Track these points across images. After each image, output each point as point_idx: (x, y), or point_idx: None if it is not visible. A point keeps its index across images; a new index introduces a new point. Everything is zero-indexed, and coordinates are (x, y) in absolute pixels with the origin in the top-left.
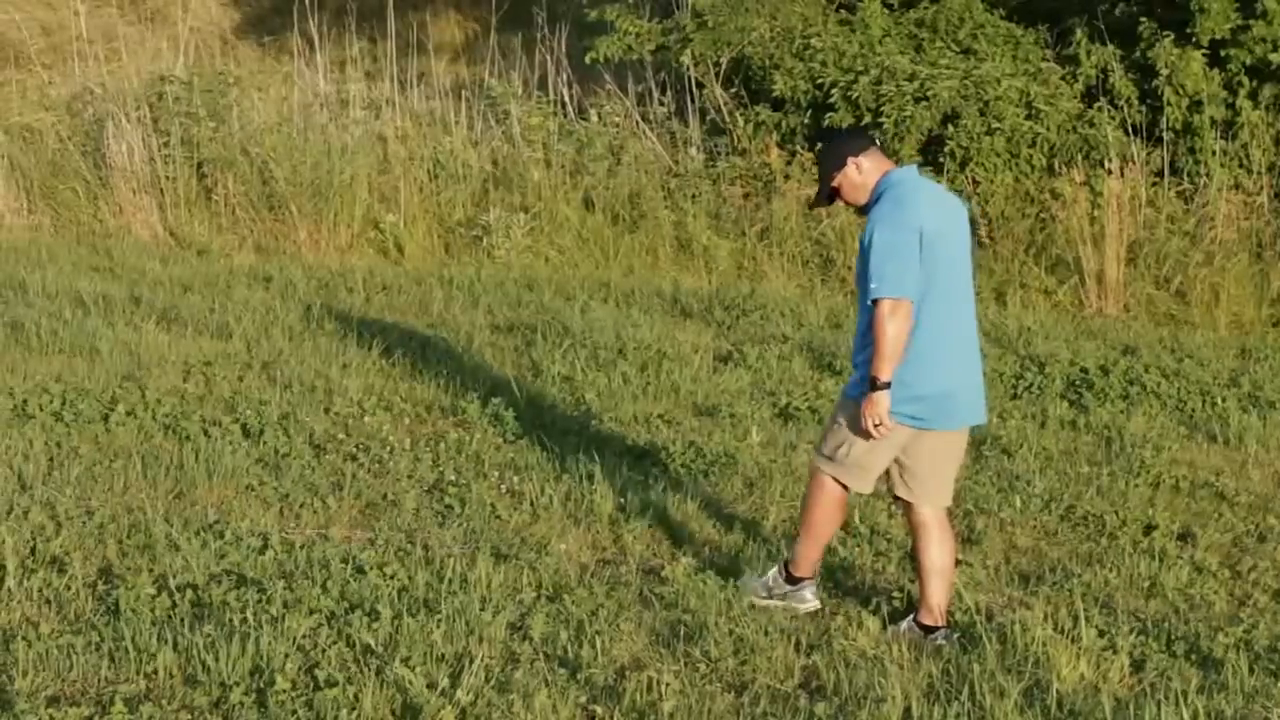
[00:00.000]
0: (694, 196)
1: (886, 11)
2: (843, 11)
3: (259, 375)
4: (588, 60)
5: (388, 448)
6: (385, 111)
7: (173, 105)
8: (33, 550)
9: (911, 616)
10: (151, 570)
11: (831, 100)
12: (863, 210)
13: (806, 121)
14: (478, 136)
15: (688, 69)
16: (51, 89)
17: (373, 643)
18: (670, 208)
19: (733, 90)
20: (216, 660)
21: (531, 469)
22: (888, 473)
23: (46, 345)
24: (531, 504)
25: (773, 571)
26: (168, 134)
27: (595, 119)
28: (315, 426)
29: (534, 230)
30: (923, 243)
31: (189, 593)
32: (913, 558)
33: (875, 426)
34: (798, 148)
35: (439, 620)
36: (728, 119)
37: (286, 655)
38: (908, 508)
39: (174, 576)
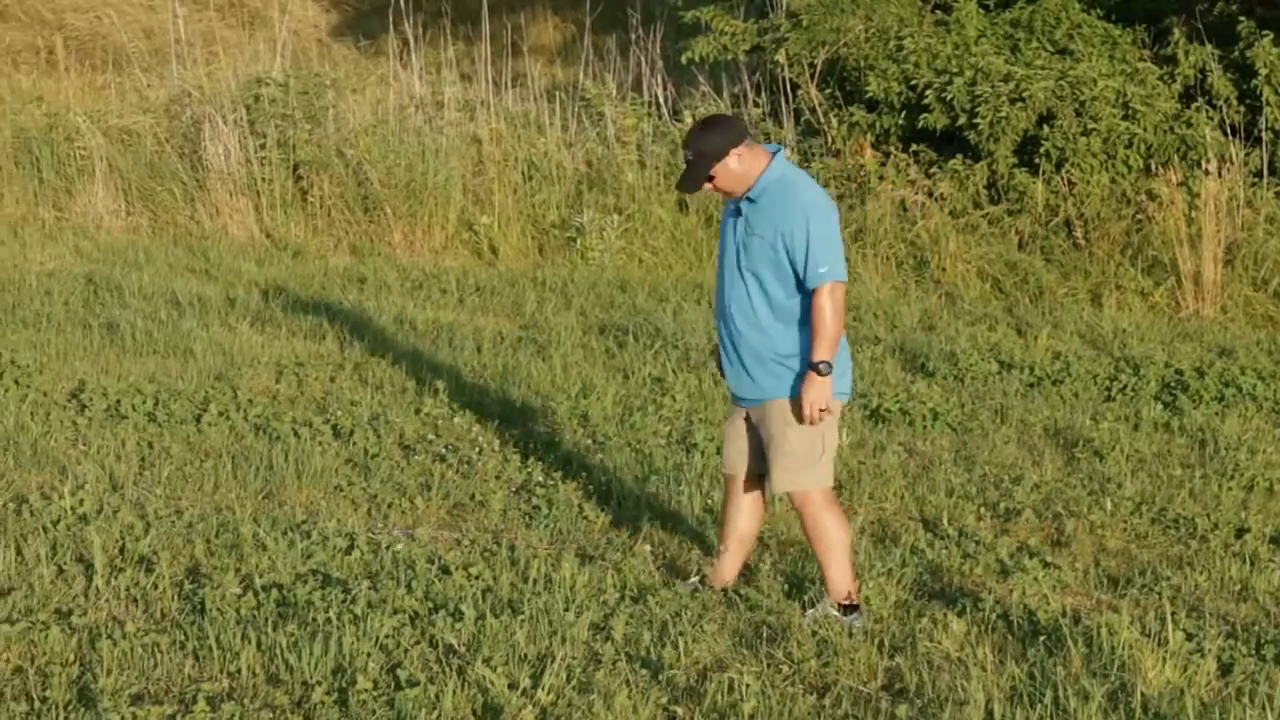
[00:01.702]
0: None
1: (982, 12)
2: (938, 12)
3: (351, 376)
4: (683, 61)
5: (476, 448)
6: (480, 113)
7: (269, 107)
8: (121, 549)
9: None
10: (238, 569)
11: (926, 101)
12: (737, 198)
13: (901, 123)
14: (572, 138)
15: (782, 70)
16: (150, 92)
17: (455, 643)
18: None
19: (827, 91)
20: (299, 659)
21: (619, 470)
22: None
23: (141, 346)
24: (619, 505)
25: (820, 608)
26: (264, 136)
27: (690, 120)
28: (405, 427)
29: (627, 232)
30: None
31: (274, 592)
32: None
33: (820, 411)
34: (892, 149)
35: (522, 620)
36: (822, 120)
37: (369, 655)
38: (734, 480)
39: (260, 576)
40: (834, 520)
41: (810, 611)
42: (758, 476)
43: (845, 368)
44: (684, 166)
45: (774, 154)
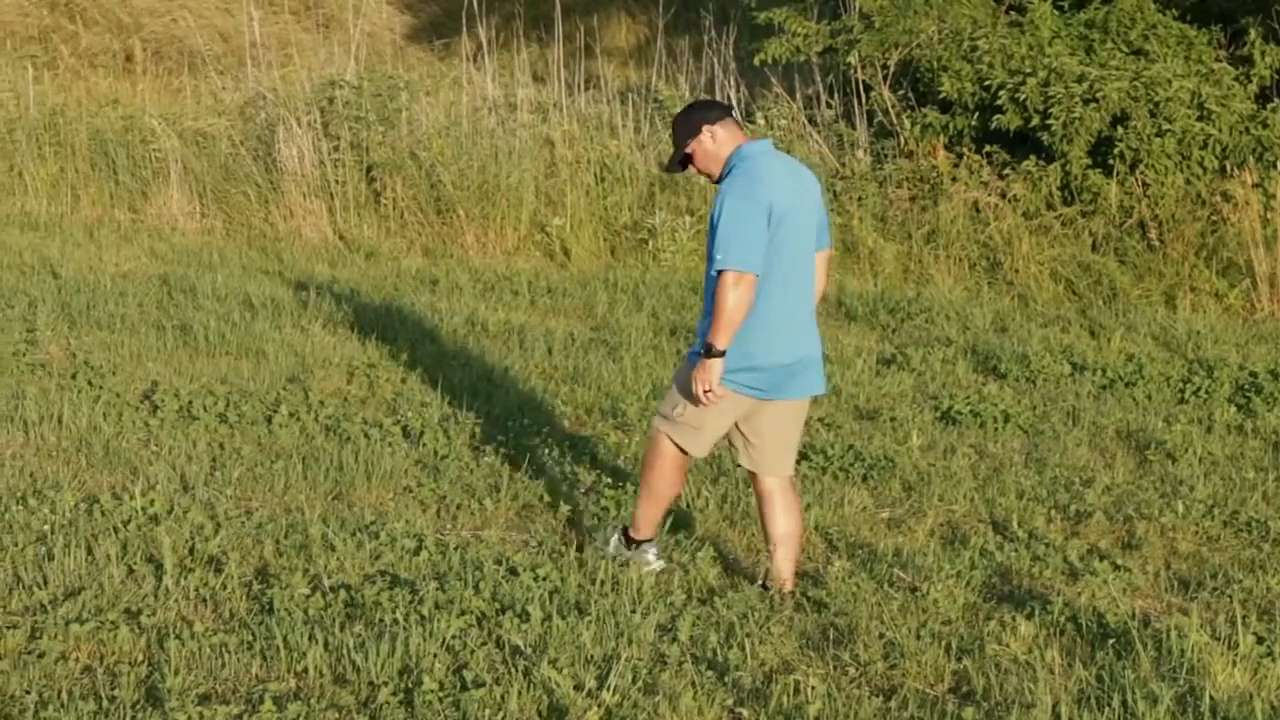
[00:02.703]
0: (860, 199)
1: (1057, 13)
2: (1012, 13)
3: (421, 377)
4: (755, 62)
5: (546, 449)
6: (553, 115)
7: (343, 110)
8: (191, 550)
9: (760, 582)
10: (307, 570)
11: (999, 102)
12: (716, 180)
13: (974, 124)
14: (645, 140)
15: (855, 71)
16: (225, 94)
17: (522, 644)
18: (836, 210)
19: (900, 92)
20: (366, 660)
21: (689, 471)
22: (731, 442)
23: (214, 348)
24: (687, 506)
25: (614, 539)
26: (338, 138)
27: (762, 121)
28: (475, 428)
29: (699, 233)
30: (771, 219)
31: (342, 593)
32: (760, 525)
33: (705, 393)
34: (965, 150)
35: (589, 622)
36: (895, 121)
37: (435, 655)
38: (752, 477)
39: (328, 576)
40: (667, 472)
41: (604, 531)
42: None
43: (756, 366)
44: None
45: (751, 142)
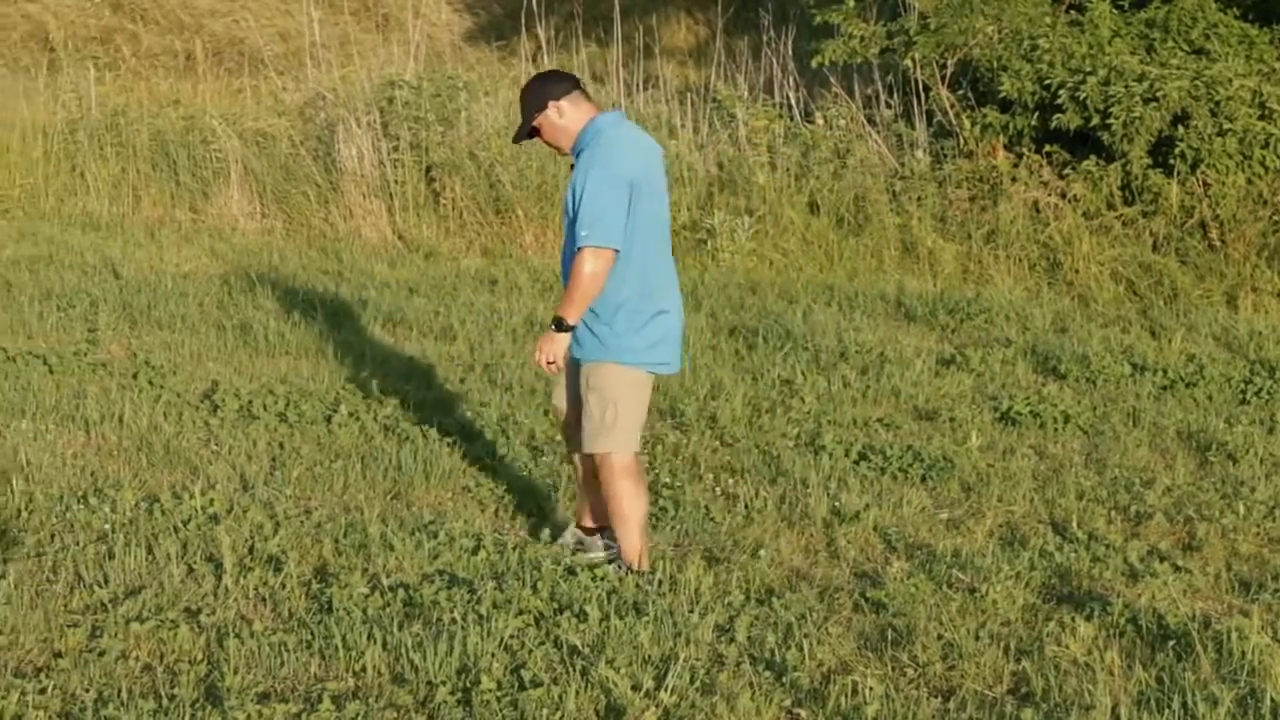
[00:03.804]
0: (919, 199)
1: (1116, 12)
2: (1072, 12)
3: (480, 377)
4: (814, 63)
5: None
6: None
7: (403, 110)
8: (251, 549)
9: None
10: (365, 569)
11: (1059, 101)
12: (568, 153)
13: (1034, 123)
14: (703, 140)
15: (913, 71)
16: (285, 95)
17: (579, 644)
18: (895, 211)
19: (959, 92)
20: (424, 659)
21: (747, 472)
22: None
23: (274, 347)
24: (746, 507)
25: (612, 570)
26: (397, 138)
27: (821, 122)
28: (534, 428)
29: (758, 233)
30: (632, 192)
31: (401, 592)
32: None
33: (548, 364)
34: (1025, 150)
35: (646, 622)
36: (954, 121)
37: (493, 655)
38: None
39: (387, 576)
40: (629, 491)
41: (584, 548)
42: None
43: (661, 339)
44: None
45: (602, 115)
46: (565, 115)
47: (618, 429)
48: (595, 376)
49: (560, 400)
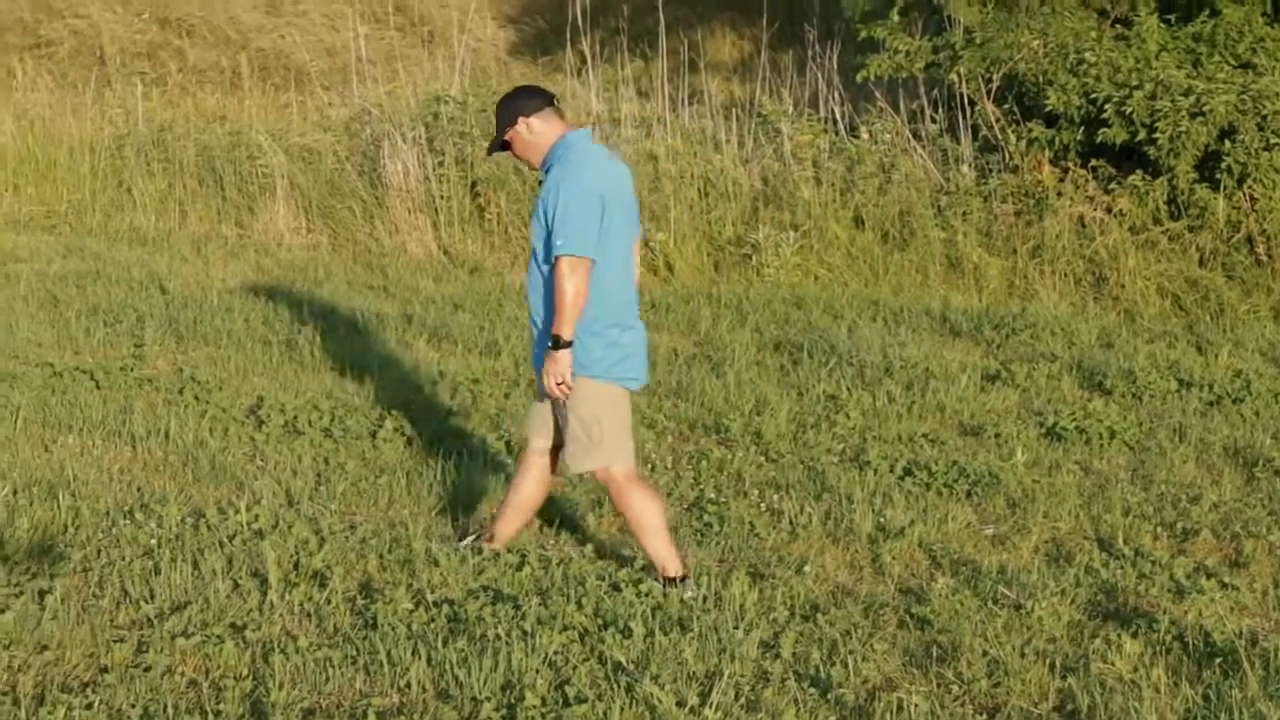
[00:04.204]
0: (965, 214)
1: (1163, 26)
2: (1118, 26)
3: (525, 393)
4: (859, 78)
5: (649, 465)
6: (656, 130)
7: (448, 125)
8: (296, 564)
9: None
10: (410, 585)
11: (1105, 115)
12: (537, 168)
13: (1079, 138)
14: (748, 154)
15: (959, 86)
16: (331, 110)
17: (624, 660)
18: (941, 225)
19: (1005, 107)
20: (469, 675)
21: (792, 487)
22: (535, 418)
23: (319, 363)
24: (790, 522)
25: (657, 588)
26: (442, 153)
27: (866, 136)
28: None
29: (803, 248)
30: (604, 207)
31: (445, 608)
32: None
33: (558, 385)
34: (1070, 165)
35: (691, 638)
36: (999, 136)
37: (538, 671)
38: (528, 443)
39: (432, 591)
40: (639, 498)
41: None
42: (556, 449)
43: (631, 353)
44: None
45: (571, 132)
46: (534, 131)
47: (606, 443)
48: (573, 397)
49: (528, 429)
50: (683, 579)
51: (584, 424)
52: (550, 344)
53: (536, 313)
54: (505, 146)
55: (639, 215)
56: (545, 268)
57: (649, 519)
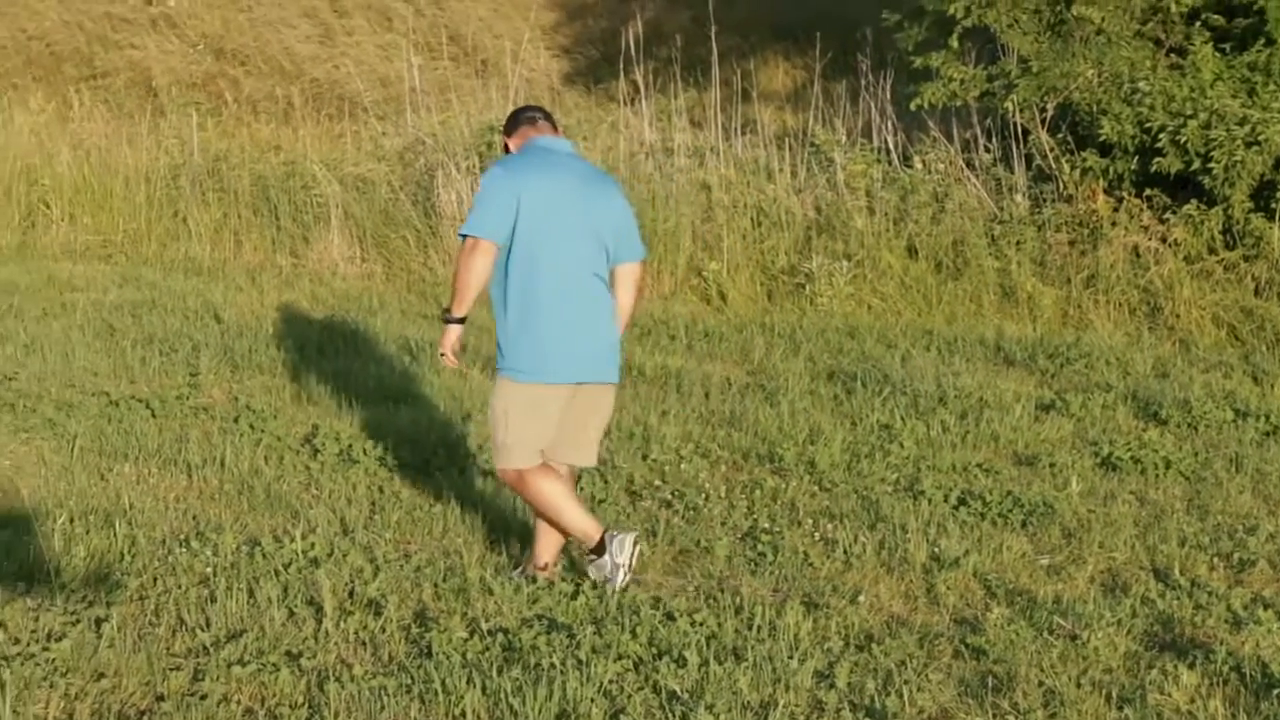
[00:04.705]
0: (1019, 243)
1: (1218, 55)
2: (1173, 56)
3: None
4: (912, 107)
5: (703, 495)
6: (710, 159)
7: (500, 154)
8: (350, 593)
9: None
10: (465, 614)
11: (1160, 145)
12: None
13: (1134, 167)
14: (801, 184)
15: (1013, 115)
16: (385, 140)
17: (678, 689)
18: (995, 255)
19: (1059, 136)
20: (523, 703)
21: (846, 517)
22: None
23: (373, 391)
24: (845, 552)
25: (591, 565)
26: None
27: (919, 166)
28: (632, 473)
29: (856, 278)
30: (521, 204)
31: (500, 636)
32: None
33: (440, 355)
34: (1125, 194)
35: (745, 667)
36: (1053, 165)
37: (592, 700)
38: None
39: (486, 620)
40: (539, 480)
41: (590, 570)
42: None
43: (550, 353)
44: None
45: (544, 137)
46: (525, 138)
47: (509, 445)
48: (493, 392)
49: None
50: (603, 538)
51: (494, 420)
52: (442, 316)
53: (498, 304)
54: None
55: (628, 235)
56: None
57: (555, 499)
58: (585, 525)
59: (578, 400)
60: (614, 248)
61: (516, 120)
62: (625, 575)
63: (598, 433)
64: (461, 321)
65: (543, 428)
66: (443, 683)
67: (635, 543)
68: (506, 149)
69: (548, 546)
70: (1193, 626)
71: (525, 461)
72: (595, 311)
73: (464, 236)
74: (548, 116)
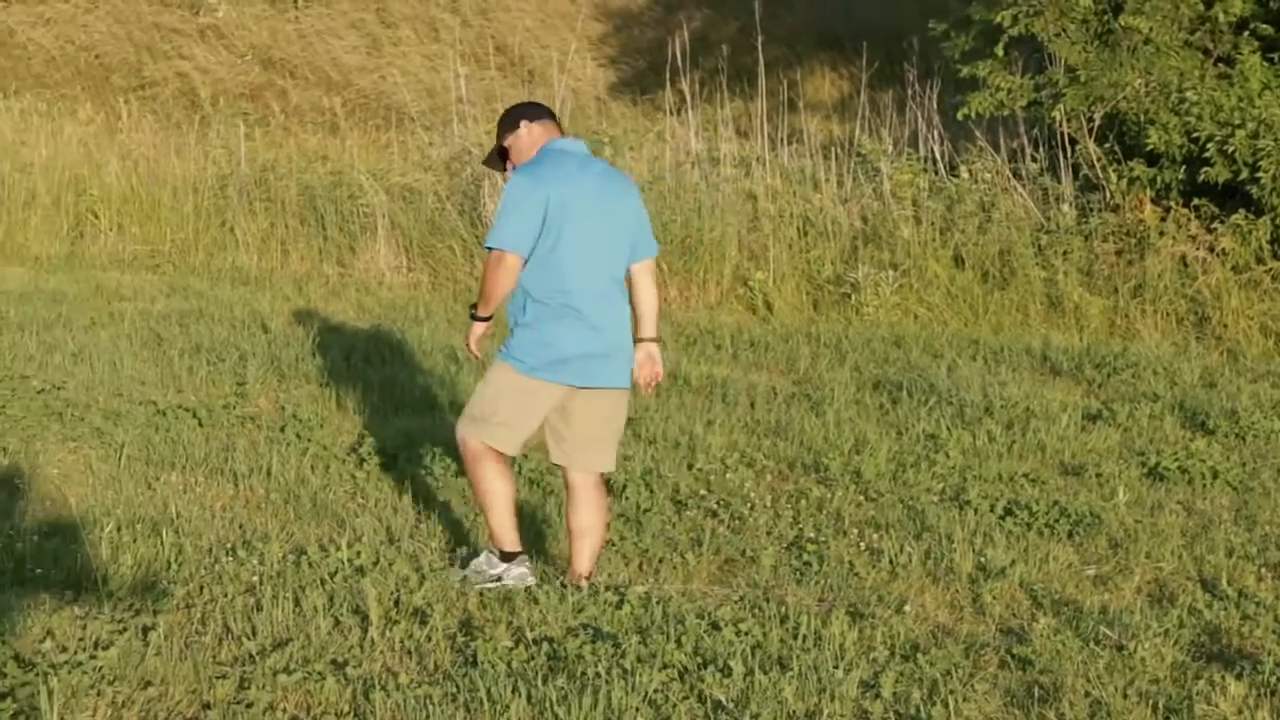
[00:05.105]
0: (1065, 253)
1: (1266, 64)
2: (1220, 65)
3: (625, 431)
4: (959, 116)
5: (748, 504)
6: (756, 169)
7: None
8: (396, 601)
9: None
10: (510, 623)
11: (1207, 154)
12: None
13: (1181, 177)
14: (848, 194)
15: (1060, 124)
16: (431, 150)
17: (723, 698)
18: (1041, 265)
19: (1106, 145)
20: (568, 712)
21: (891, 526)
22: (546, 438)
23: (419, 401)
24: (890, 562)
25: (483, 555)
26: None
27: (966, 175)
28: (678, 482)
29: (903, 287)
30: (549, 210)
31: (545, 645)
32: (565, 517)
33: (467, 348)
34: (1172, 204)
35: (791, 677)
36: (1100, 174)
37: (637, 709)
38: (563, 470)
39: (531, 629)
40: (492, 475)
41: (473, 560)
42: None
43: (559, 356)
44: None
45: (562, 139)
46: (533, 135)
47: (492, 424)
48: (491, 370)
49: (553, 460)
50: (516, 556)
51: (484, 397)
52: (469, 313)
53: (516, 299)
54: (504, 155)
55: (644, 233)
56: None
57: (494, 498)
58: (508, 533)
59: (591, 404)
60: (632, 248)
61: (537, 108)
62: (484, 586)
63: (615, 435)
64: (488, 319)
65: (532, 420)
66: (488, 691)
67: (526, 586)
68: (503, 149)
69: (582, 560)
70: (1240, 637)
71: (502, 444)
72: (611, 318)
73: (488, 246)
74: (551, 114)
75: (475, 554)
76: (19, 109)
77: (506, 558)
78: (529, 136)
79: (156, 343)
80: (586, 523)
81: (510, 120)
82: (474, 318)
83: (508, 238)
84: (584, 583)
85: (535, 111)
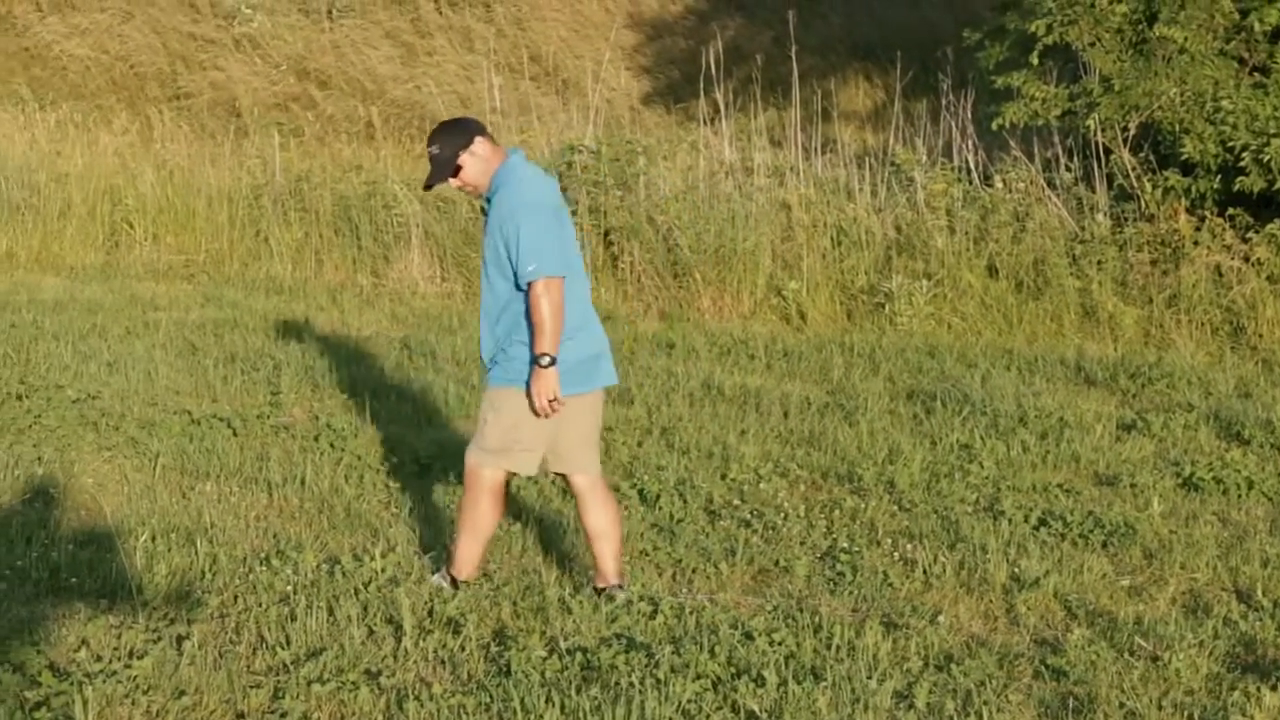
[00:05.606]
0: (1100, 263)
1: None
2: (1256, 74)
3: (658, 441)
4: (993, 126)
5: (782, 514)
6: (790, 179)
7: (581, 174)
8: (430, 611)
9: (593, 584)
10: (543, 632)
11: (1242, 164)
12: (482, 194)
13: (1216, 186)
14: (881, 203)
15: (1094, 134)
16: None
17: (757, 709)
18: (1075, 274)
19: (1141, 155)
20: None
21: (925, 537)
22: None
23: (453, 410)
24: (924, 572)
25: (435, 579)
26: (576, 202)
27: (1000, 185)
28: (711, 492)
29: (936, 297)
30: (560, 223)
31: (579, 655)
32: (580, 524)
33: (550, 402)
34: (1207, 213)
35: (824, 687)
36: (1135, 184)
37: (670, 719)
38: (566, 479)
39: (565, 639)
40: (489, 505)
41: (431, 577)
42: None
43: (571, 369)
44: (429, 167)
45: (511, 154)
46: (479, 159)
47: (512, 454)
48: (499, 398)
49: (554, 467)
50: (461, 583)
51: (500, 427)
52: (536, 363)
53: (486, 332)
54: (456, 171)
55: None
56: (501, 289)
57: (481, 529)
58: (472, 564)
59: (586, 403)
60: None
61: (467, 130)
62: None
63: (600, 431)
64: (555, 361)
65: (548, 437)
66: (521, 701)
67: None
68: (456, 164)
69: (607, 561)
70: (1275, 648)
71: (523, 468)
72: (595, 319)
73: (535, 279)
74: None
75: (438, 567)
76: (55, 119)
77: (454, 582)
78: (478, 162)
79: (191, 352)
80: (603, 524)
81: (464, 134)
82: (540, 363)
83: (552, 263)
84: (619, 593)
85: (480, 126)
